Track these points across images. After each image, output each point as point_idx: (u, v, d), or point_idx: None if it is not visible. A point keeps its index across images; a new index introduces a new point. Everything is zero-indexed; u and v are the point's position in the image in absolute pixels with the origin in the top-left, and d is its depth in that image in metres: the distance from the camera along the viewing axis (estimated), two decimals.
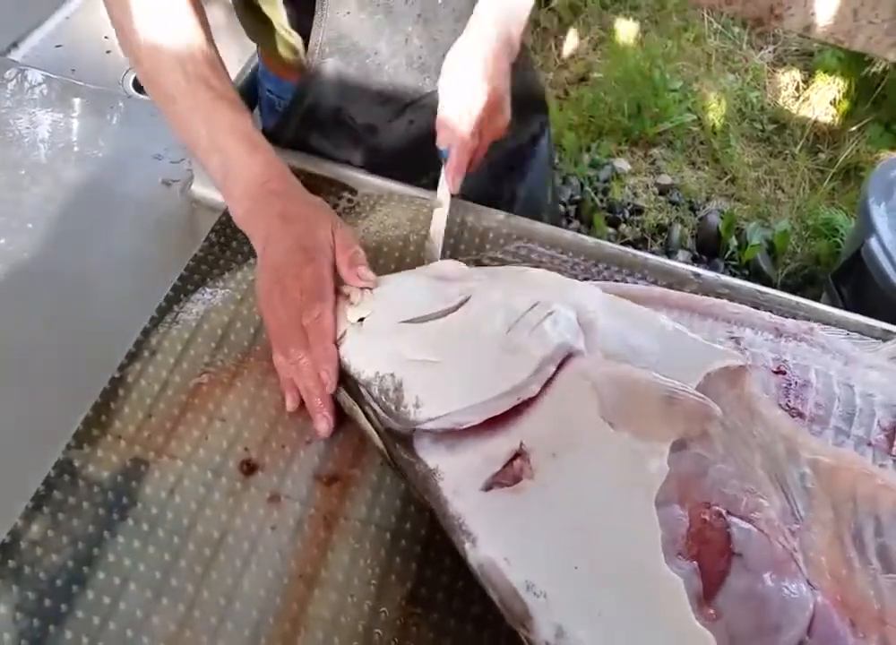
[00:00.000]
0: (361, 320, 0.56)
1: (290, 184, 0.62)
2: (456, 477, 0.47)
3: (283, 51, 0.76)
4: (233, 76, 0.88)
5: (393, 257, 0.68)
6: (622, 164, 1.96)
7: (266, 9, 0.73)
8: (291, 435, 0.57)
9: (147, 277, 0.67)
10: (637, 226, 1.85)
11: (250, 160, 0.61)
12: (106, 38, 1.02)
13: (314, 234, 0.58)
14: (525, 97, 0.85)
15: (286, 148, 0.75)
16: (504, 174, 0.90)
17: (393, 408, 0.50)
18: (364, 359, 0.54)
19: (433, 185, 0.70)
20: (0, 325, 0.64)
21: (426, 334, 0.53)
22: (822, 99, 2.06)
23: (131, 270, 0.69)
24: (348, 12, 0.69)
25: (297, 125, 0.78)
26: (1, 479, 0.55)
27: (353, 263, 0.58)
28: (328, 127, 0.78)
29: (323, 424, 0.55)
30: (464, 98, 0.67)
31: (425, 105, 0.76)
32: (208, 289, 0.65)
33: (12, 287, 0.66)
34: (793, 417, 0.51)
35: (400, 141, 0.79)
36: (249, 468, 0.55)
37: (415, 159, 0.75)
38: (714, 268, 1.74)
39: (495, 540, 0.44)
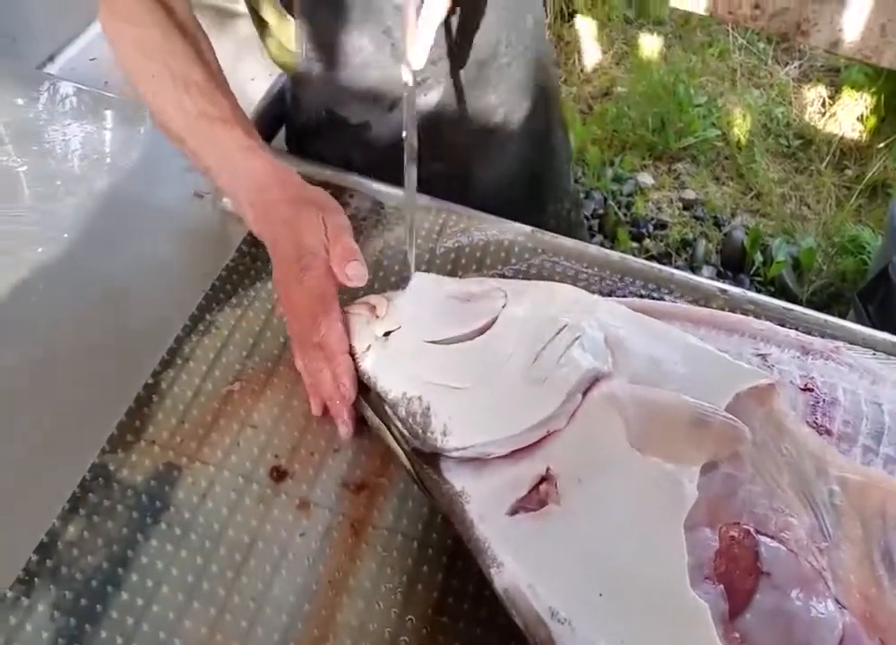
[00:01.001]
0: (387, 334, 0.56)
1: (292, 187, 0.61)
2: (482, 500, 0.47)
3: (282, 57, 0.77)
4: (268, 84, 0.90)
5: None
6: (645, 178, 1.95)
7: (270, 18, 0.74)
8: (320, 443, 0.58)
9: (180, 286, 0.69)
10: (661, 241, 1.85)
11: (249, 167, 0.61)
12: None
13: (302, 239, 0.57)
14: (537, 83, 0.81)
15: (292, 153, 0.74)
16: (516, 169, 0.86)
17: (420, 432, 0.51)
18: (390, 379, 0.54)
19: (427, 179, 0.63)
20: (37, 333, 0.65)
21: (453, 357, 0.53)
22: (848, 115, 2.05)
23: (164, 279, 0.70)
24: (327, 13, 0.68)
25: (296, 131, 0.77)
26: (39, 482, 0.57)
27: (341, 260, 0.56)
28: (323, 129, 0.77)
29: (343, 428, 0.56)
30: None
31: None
32: (239, 299, 0.66)
33: (48, 295, 0.68)
34: (821, 434, 0.51)
35: (394, 135, 0.74)
36: (279, 474, 0.56)
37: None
38: (739, 284, 1.73)
39: (519, 566, 0.44)
